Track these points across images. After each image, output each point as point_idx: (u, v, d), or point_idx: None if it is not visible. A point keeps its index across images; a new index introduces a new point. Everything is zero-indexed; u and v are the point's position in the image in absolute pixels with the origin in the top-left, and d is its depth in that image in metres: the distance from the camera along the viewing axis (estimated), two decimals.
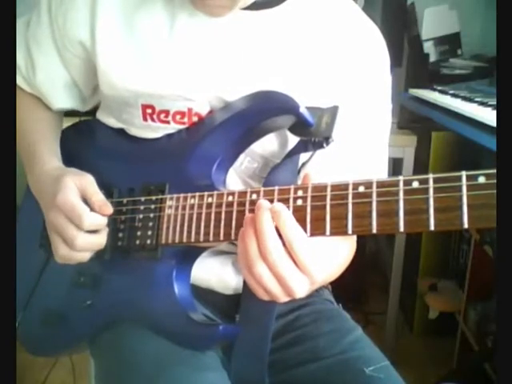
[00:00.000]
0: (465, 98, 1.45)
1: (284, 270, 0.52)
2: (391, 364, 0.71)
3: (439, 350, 1.83)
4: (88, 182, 0.66)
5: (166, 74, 0.68)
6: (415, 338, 1.95)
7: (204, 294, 0.75)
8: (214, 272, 0.76)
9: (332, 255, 0.67)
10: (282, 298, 0.54)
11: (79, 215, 0.62)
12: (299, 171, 0.74)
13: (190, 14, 0.67)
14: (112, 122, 0.77)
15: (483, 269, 1.53)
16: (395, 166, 2.01)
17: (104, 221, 0.65)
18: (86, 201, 0.65)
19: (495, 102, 1.27)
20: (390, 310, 1.82)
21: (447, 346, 1.77)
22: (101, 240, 0.65)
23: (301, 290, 0.53)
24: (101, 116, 0.79)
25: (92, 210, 0.64)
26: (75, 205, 0.63)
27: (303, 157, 0.71)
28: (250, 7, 0.66)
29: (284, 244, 0.52)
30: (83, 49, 0.71)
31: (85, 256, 0.65)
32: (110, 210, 0.65)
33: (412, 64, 2.00)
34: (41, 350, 0.79)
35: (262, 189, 0.57)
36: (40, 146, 0.74)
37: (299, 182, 0.69)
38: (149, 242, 0.66)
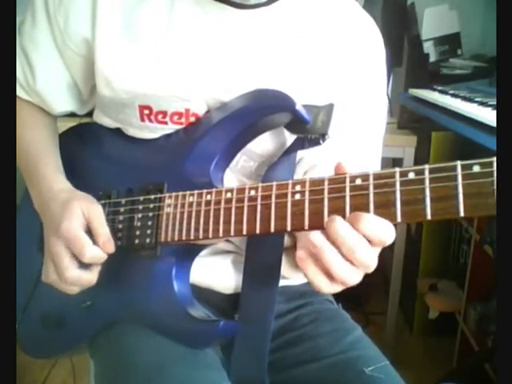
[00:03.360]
0: (465, 98, 1.45)
1: (368, 259, 0.50)
2: (391, 364, 0.71)
3: (439, 350, 1.83)
4: (96, 212, 0.65)
5: (164, 74, 0.68)
6: (415, 338, 1.95)
7: (203, 294, 0.75)
8: (213, 271, 0.76)
9: None
10: (358, 280, 0.53)
11: (81, 247, 0.61)
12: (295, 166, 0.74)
13: (188, 13, 0.67)
14: (109, 123, 0.77)
15: (483, 269, 1.53)
16: (395, 166, 2.01)
17: (104, 256, 0.64)
18: (89, 230, 0.64)
19: (495, 102, 1.27)
20: (390, 310, 1.81)
21: (447, 345, 1.77)
22: (91, 277, 0.64)
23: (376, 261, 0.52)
24: (97, 117, 0.79)
25: (95, 242, 0.63)
26: (78, 236, 0.62)
27: (300, 152, 0.71)
28: (246, 6, 0.66)
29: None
30: (86, 45, 0.71)
31: (73, 289, 0.65)
32: (112, 247, 0.64)
33: (412, 64, 2.00)
34: (40, 352, 0.79)
35: (260, 185, 0.57)
36: (43, 161, 0.72)
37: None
38: (148, 240, 0.66)
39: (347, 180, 0.52)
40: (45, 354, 0.80)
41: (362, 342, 0.74)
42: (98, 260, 0.64)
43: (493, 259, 1.43)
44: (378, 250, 0.51)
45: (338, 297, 0.86)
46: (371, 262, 0.51)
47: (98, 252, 0.63)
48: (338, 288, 0.54)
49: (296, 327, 0.77)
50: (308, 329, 0.76)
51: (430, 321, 1.86)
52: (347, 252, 0.49)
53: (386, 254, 2.05)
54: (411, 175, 0.48)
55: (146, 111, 0.70)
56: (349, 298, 2.02)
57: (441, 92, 1.66)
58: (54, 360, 1.60)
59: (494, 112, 1.20)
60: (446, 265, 1.90)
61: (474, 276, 1.58)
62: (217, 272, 0.76)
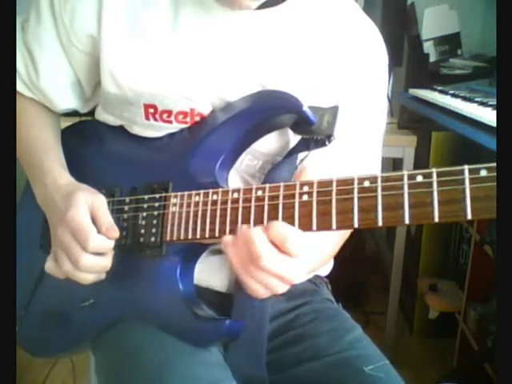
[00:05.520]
0: (465, 98, 1.45)
1: (280, 268, 0.55)
2: (391, 364, 0.71)
3: (439, 350, 1.83)
4: (100, 201, 0.65)
5: (169, 74, 0.68)
6: (415, 338, 1.95)
7: (204, 294, 0.75)
8: (213, 271, 0.76)
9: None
10: (282, 289, 0.57)
11: (86, 236, 0.62)
12: (296, 167, 0.74)
13: (193, 13, 0.68)
14: (112, 120, 0.77)
15: (483, 269, 1.53)
16: (395, 166, 2.01)
17: (110, 245, 0.64)
18: (93, 220, 0.64)
19: (495, 102, 1.27)
20: (390, 310, 1.81)
21: (447, 346, 1.77)
22: (105, 263, 0.65)
23: (299, 274, 0.57)
24: (100, 115, 0.79)
25: (99, 231, 0.64)
26: (83, 224, 0.62)
27: (301, 153, 0.72)
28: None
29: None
30: (92, 42, 0.71)
31: (88, 278, 0.65)
32: (116, 233, 0.64)
33: (412, 64, 2.00)
34: (42, 350, 0.79)
35: (268, 185, 0.58)
36: (48, 157, 0.72)
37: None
38: (153, 239, 0.66)
39: (355, 182, 0.52)
40: (47, 353, 0.80)
41: (362, 342, 0.74)
42: (103, 249, 0.64)
43: (493, 259, 1.43)
44: (291, 261, 0.55)
45: (337, 296, 0.87)
46: (281, 273, 0.55)
47: (102, 240, 0.63)
48: (272, 291, 0.58)
49: (296, 326, 0.77)
50: (308, 328, 0.76)
51: (429, 321, 1.86)
52: (254, 259, 0.54)
53: (386, 253, 2.05)
54: (419, 178, 0.49)
55: (151, 110, 0.71)
56: (349, 297, 2.02)
57: (441, 92, 1.66)
58: (54, 360, 1.60)
59: (494, 112, 1.20)
60: (446, 265, 1.90)
61: (474, 276, 1.58)
62: (217, 271, 0.76)
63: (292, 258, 0.54)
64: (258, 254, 0.54)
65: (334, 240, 0.75)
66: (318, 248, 0.71)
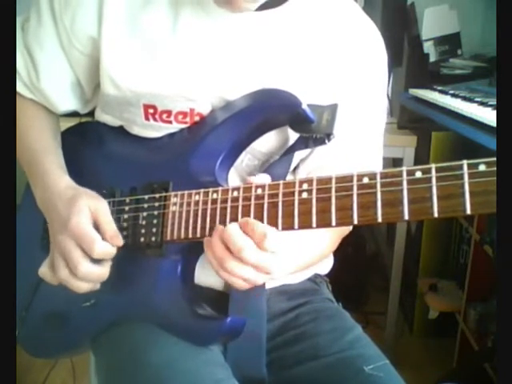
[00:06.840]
0: (465, 98, 1.45)
1: (259, 257, 0.56)
2: (391, 364, 0.71)
3: (439, 350, 1.83)
4: (102, 208, 0.66)
5: (169, 74, 0.68)
6: (415, 338, 1.95)
7: (205, 293, 0.75)
8: (213, 270, 0.76)
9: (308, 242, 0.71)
10: (260, 279, 0.59)
11: (91, 242, 0.62)
12: (298, 166, 0.75)
13: (193, 14, 0.68)
14: (111, 121, 0.77)
15: (483, 269, 1.53)
16: (395, 166, 2.01)
17: (113, 251, 0.64)
18: (96, 226, 0.64)
19: (495, 102, 1.27)
20: (390, 310, 1.81)
21: (447, 346, 1.78)
22: (103, 272, 0.65)
23: (277, 265, 0.58)
24: (100, 116, 0.79)
25: (103, 238, 0.64)
26: (87, 231, 0.63)
27: (301, 153, 0.72)
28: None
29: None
30: (92, 44, 0.71)
31: (83, 286, 0.64)
32: (120, 241, 0.65)
33: (412, 64, 2.01)
34: (43, 351, 0.79)
35: (267, 183, 0.58)
36: (47, 159, 0.72)
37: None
38: (153, 239, 0.66)
39: (354, 179, 0.52)
40: (48, 354, 0.80)
41: (362, 341, 0.74)
42: (108, 255, 0.64)
43: (493, 259, 1.43)
44: (267, 255, 0.56)
45: (338, 296, 0.87)
46: (261, 263, 0.56)
47: (107, 247, 0.64)
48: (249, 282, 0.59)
49: (296, 326, 0.77)
50: (308, 327, 0.76)
51: (430, 321, 1.86)
52: (235, 251, 0.55)
53: (386, 253, 2.05)
54: (418, 174, 0.49)
55: (151, 110, 0.71)
56: (349, 297, 2.02)
57: (441, 92, 1.66)
58: (54, 360, 1.60)
59: (494, 112, 1.20)
60: (446, 265, 1.90)
61: (474, 276, 1.58)
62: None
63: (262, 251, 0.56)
64: (240, 246, 0.55)
65: (327, 238, 0.75)
66: (308, 246, 0.72)
